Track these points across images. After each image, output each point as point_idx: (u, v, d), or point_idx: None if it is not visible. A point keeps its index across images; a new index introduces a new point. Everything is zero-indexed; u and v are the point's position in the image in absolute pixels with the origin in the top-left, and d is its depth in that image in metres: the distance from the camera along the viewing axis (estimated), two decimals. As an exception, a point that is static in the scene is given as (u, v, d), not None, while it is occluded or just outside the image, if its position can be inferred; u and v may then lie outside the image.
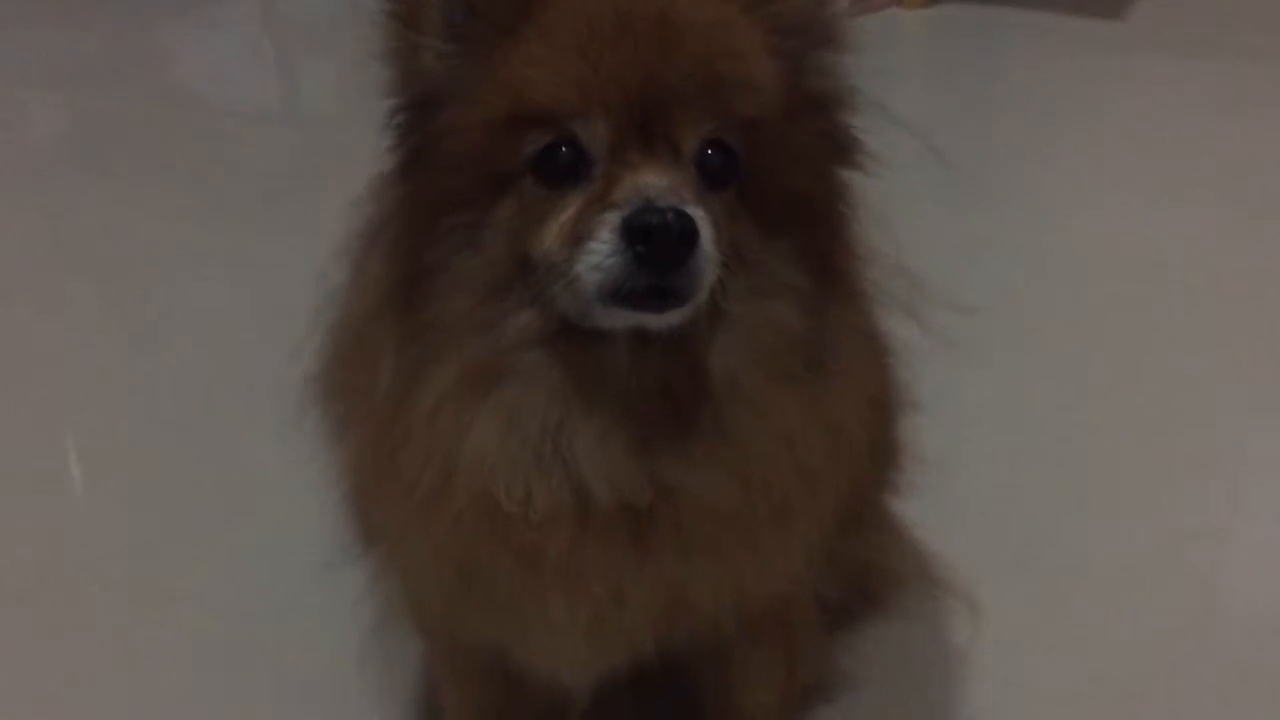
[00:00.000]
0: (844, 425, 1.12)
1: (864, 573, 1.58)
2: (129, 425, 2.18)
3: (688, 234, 0.94)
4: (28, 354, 2.41)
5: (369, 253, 1.10)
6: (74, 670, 1.66)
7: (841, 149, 1.10)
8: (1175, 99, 3.24)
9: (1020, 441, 2.02)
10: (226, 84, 3.89)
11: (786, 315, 1.07)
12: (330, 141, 3.36)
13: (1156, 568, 1.78)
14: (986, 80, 3.48)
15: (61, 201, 3.04)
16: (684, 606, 1.14)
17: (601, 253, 0.95)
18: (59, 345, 2.44)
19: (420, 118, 1.04)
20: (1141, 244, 2.59)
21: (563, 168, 1.00)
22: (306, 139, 3.54)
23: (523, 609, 1.13)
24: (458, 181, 1.03)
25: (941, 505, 1.71)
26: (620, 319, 1.00)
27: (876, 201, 1.15)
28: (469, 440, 1.04)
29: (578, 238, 0.97)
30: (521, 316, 1.03)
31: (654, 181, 0.97)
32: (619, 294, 0.96)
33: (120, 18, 4.26)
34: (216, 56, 4.10)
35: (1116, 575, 1.77)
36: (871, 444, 1.26)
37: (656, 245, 0.94)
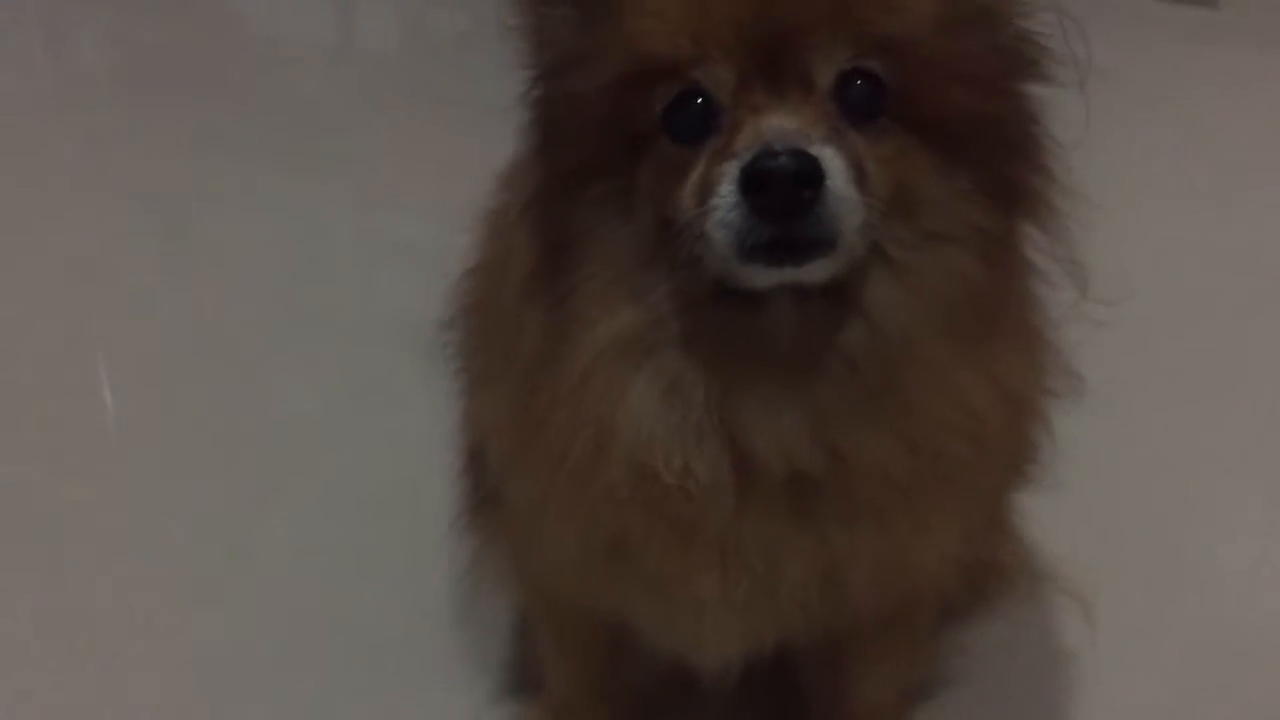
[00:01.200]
0: (1021, 393, 1.04)
1: (974, 567, 1.47)
2: (168, 359, 2.14)
3: (807, 177, 0.86)
4: (71, 280, 2.35)
5: (516, 228, 1.04)
6: (119, 619, 1.62)
7: (1019, 60, 0.98)
8: (1269, 89, 3.11)
9: (1133, 436, 1.92)
10: (281, 17, 3.77)
11: (964, 263, 0.97)
12: (384, 80, 3.35)
13: (1272, 570, 1.72)
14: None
15: (109, 130, 2.96)
16: (840, 583, 1.07)
17: (723, 207, 0.89)
18: (103, 272, 2.38)
19: (553, 87, 0.99)
20: (1237, 238, 2.47)
21: (693, 121, 0.93)
22: (361, 76, 3.45)
23: (672, 583, 1.07)
24: (595, 149, 0.97)
25: (1055, 499, 1.58)
26: (764, 276, 0.93)
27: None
28: (625, 409, 0.98)
29: (705, 193, 0.91)
30: (672, 281, 0.97)
31: (777, 124, 0.89)
32: (749, 249, 0.89)
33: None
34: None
35: (1230, 578, 1.70)
36: (1038, 417, 1.15)
37: (772, 193, 0.87)
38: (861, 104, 0.92)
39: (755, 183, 0.87)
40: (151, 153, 2.84)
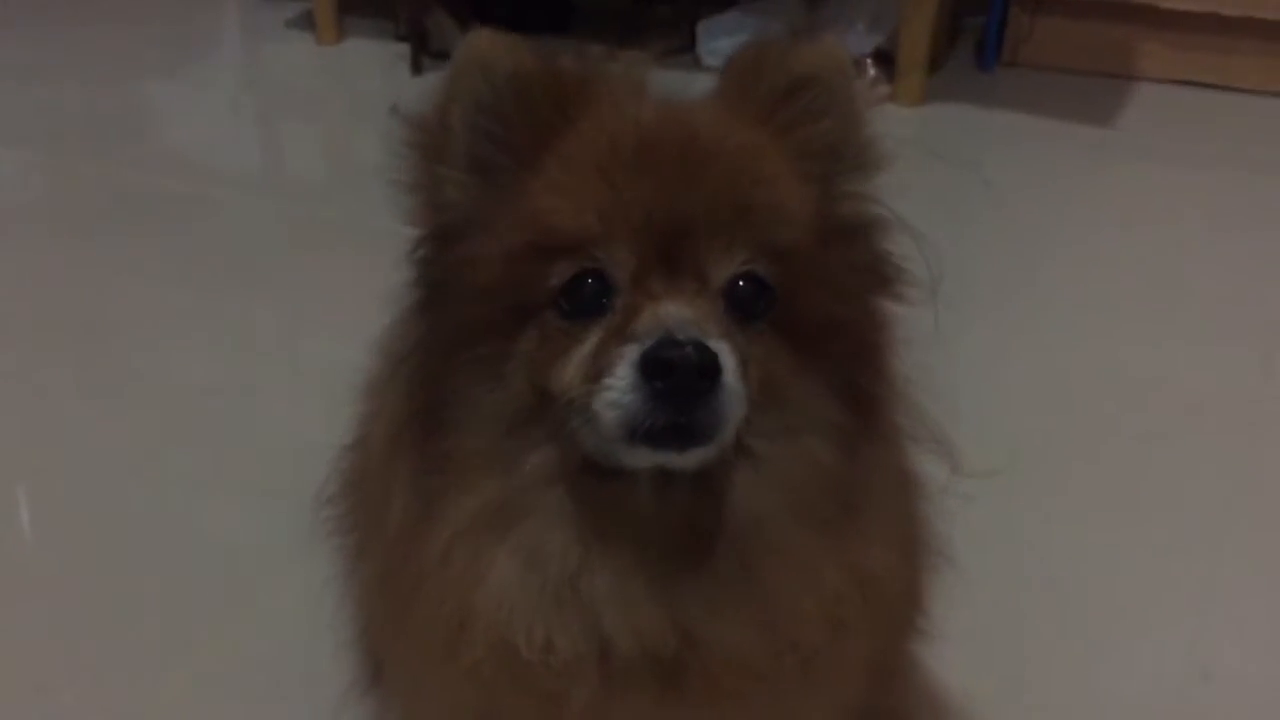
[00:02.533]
0: (877, 576, 1.05)
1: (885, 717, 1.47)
2: (92, 488, 2.11)
3: (708, 369, 0.89)
4: None
5: (389, 384, 1.05)
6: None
7: (879, 277, 1.05)
8: (1166, 209, 3.24)
9: (1025, 571, 1.95)
10: (208, 147, 3.81)
11: (821, 453, 1.01)
12: (310, 208, 3.37)
13: (1158, 704, 1.73)
14: (977, 182, 3.49)
15: (34, 261, 2.97)
16: None
17: (619, 388, 0.90)
18: (26, 404, 2.37)
19: (442, 249, 1.01)
20: (1134, 365, 2.53)
21: (586, 299, 0.95)
22: (287, 205, 3.47)
23: None
24: (479, 313, 0.98)
25: (952, 640, 1.58)
26: (643, 458, 0.95)
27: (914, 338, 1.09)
28: (486, 584, 0.98)
29: (597, 372, 0.92)
30: (542, 453, 0.97)
31: (676, 312, 0.91)
32: (639, 431, 0.90)
33: (103, 75, 4.20)
34: (199, 119, 4.03)
35: (1140, 710, 1.71)
36: (903, 593, 1.18)
37: (675, 380, 0.88)
38: (746, 304, 0.97)
39: (658, 368, 0.88)
40: (79, 283, 2.84)
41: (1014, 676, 1.73)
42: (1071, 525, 2.06)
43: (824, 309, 1.00)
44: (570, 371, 0.94)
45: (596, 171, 0.95)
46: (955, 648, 1.57)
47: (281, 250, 3.12)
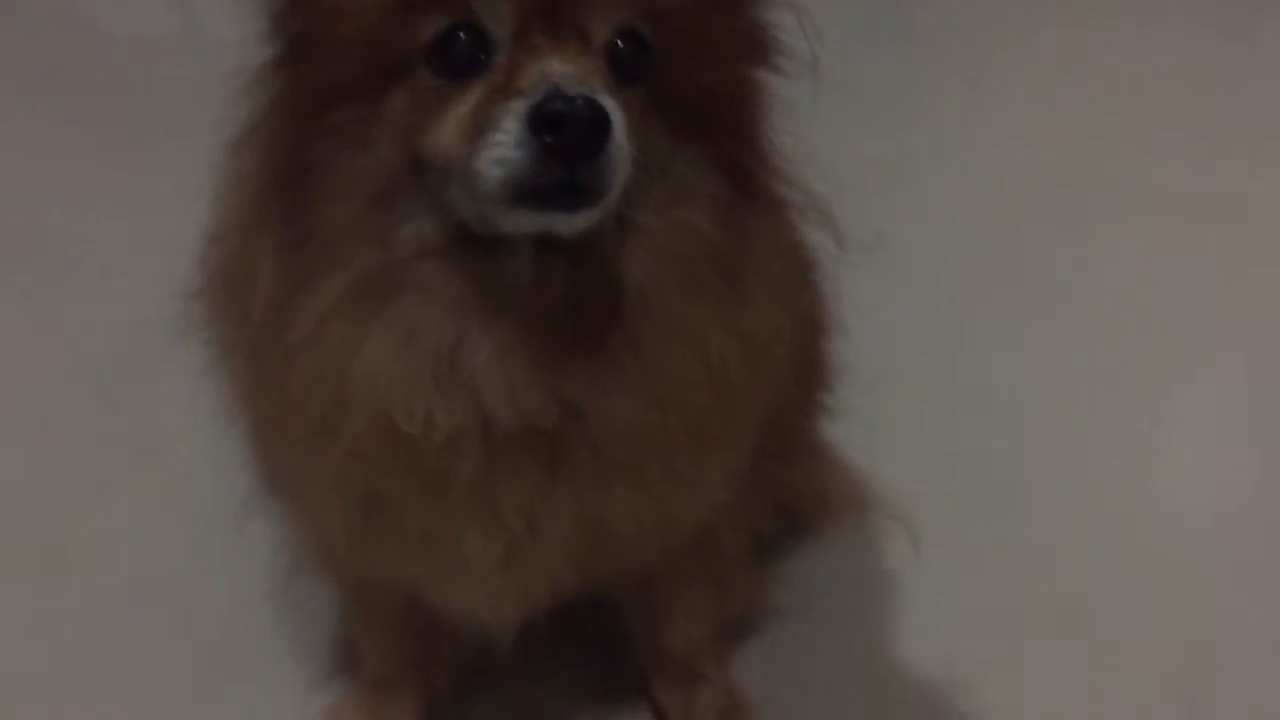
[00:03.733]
0: (764, 340, 1.05)
1: (795, 499, 1.52)
2: (18, 368, 2.05)
3: (600, 123, 0.85)
4: None
5: (244, 152, 0.99)
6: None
7: (757, 47, 1.02)
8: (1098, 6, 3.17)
9: (951, 360, 1.98)
10: (120, 7, 3.65)
11: (700, 223, 0.99)
12: (229, 70, 3.25)
13: (1085, 482, 1.76)
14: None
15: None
16: (604, 536, 1.07)
17: (506, 144, 0.86)
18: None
19: None
20: (1072, 162, 2.52)
21: (462, 55, 0.91)
22: (205, 67, 3.35)
23: (433, 542, 1.05)
24: (343, 71, 0.92)
25: (873, 426, 1.66)
26: (526, 222, 0.91)
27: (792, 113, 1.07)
28: (361, 359, 0.95)
29: (478, 130, 0.88)
30: (415, 224, 0.94)
31: (562, 69, 0.87)
32: (525, 190, 0.87)
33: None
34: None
35: (1049, 492, 1.75)
36: (797, 363, 1.19)
37: (567, 135, 0.85)
38: (628, 64, 0.93)
39: (548, 122, 0.85)
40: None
41: (935, 458, 1.77)
42: (994, 320, 2.09)
43: (701, 77, 0.98)
44: (446, 132, 0.90)
45: None
46: (875, 430, 1.65)
47: (201, 111, 3.02)
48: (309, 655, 1.50)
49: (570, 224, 0.92)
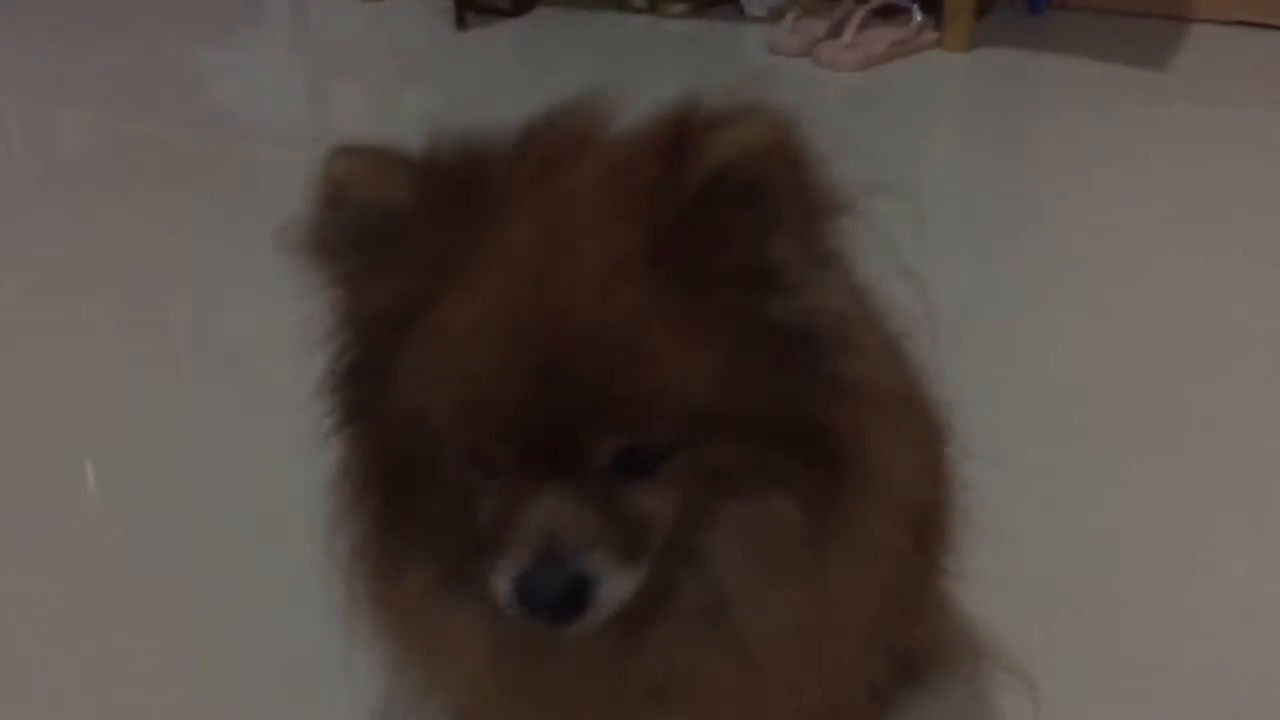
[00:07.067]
0: (847, 600, 1.03)
1: (914, 653, 1.49)
2: (147, 447, 2.14)
3: (578, 596, 0.90)
4: (47, 370, 2.37)
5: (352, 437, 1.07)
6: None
7: (829, 379, 0.94)
8: (1219, 151, 3.19)
9: (1072, 506, 1.94)
10: (258, 107, 3.86)
11: (784, 508, 0.96)
12: None
13: (1197, 632, 1.71)
14: (1026, 126, 3.45)
15: (87, 219, 3.01)
16: None
17: (502, 586, 0.92)
18: (79, 362, 2.40)
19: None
20: (1181, 302, 2.51)
21: (479, 468, 0.95)
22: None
23: None
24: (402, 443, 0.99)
25: (994, 576, 1.58)
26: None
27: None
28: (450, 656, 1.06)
29: (490, 546, 0.94)
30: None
31: (555, 513, 0.90)
32: (525, 617, 0.92)
33: (156, 37, 4.25)
34: (249, 79, 4.08)
35: (1171, 647, 1.69)
36: (919, 535, 1.14)
37: (544, 611, 0.90)
38: (637, 468, 0.92)
39: (527, 598, 0.90)
40: (131, 241, 2.89)
41: (1049, 619, 1.71)
42: (1112, 467, 2.04)
43: (767, 426, 0.93)
44: (482, 528, 0.96)
45: (463, 354, 0.90)
46: (989, 589, 1.58)
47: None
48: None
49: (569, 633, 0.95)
